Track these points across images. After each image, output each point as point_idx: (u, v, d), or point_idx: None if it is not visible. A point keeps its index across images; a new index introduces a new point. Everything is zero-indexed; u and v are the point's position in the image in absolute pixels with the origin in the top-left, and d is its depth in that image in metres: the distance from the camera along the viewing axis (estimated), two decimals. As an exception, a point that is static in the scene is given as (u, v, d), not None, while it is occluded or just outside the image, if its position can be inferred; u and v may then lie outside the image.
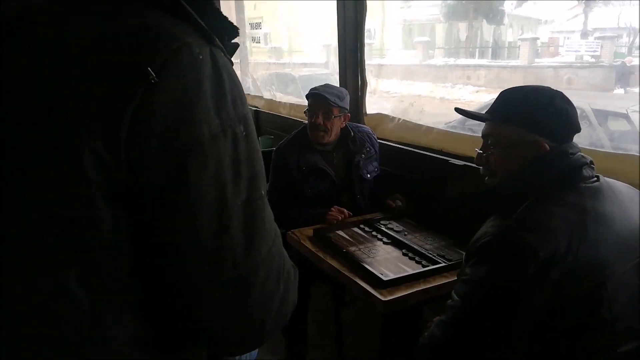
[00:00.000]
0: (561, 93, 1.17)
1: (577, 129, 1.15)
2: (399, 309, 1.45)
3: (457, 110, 1.36)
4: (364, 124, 2.54)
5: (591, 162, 1.13)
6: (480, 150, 1.27)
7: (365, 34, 2.78)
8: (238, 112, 0.54)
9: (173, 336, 0.58)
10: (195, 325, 0.57)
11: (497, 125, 1.21)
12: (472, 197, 1.24)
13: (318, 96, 2.11)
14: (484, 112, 1.28)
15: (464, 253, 1.19)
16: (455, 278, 1.43)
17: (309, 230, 1.92)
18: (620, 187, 1.14)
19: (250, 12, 4.59)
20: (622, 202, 1.08)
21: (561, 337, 1.01)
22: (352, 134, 2.22)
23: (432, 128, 2.35)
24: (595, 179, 1.11)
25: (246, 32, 4.69)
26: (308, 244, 1.83)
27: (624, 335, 0.99)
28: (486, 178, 1.26)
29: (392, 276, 1.52)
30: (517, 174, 1.15)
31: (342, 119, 2.18)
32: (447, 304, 1.11)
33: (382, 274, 1.53)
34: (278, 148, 2.24)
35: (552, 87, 1.18)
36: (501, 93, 1.24)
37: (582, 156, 1.13)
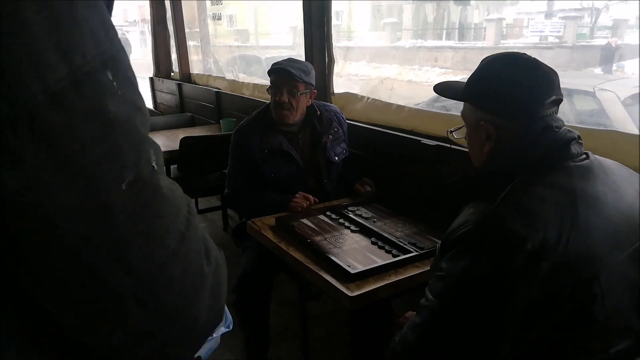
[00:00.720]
0: (521, 58, 1.03)
1: (540, 100, 0.99)
2: (367, 303, 1.32)
3: (436, 90, 1.22)
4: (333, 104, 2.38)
5: (579, 137, 1.01)
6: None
7: (333, 14, 2.60)
8: (102, 49, 0.36)
9: None
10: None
11: (464, 102, 1.11)
12: (445, 181, 1.10)
13: (282, 71, 1.93)
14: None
15: (438, 243, 1.06)
16: (429, 268, 1.32)
17: (270, 219, 1.77)
18: (612, 165, 1.02)
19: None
20: (614, 183, 0.97)
21: (549, 337, 0.89)
22: (319, 113, 2.06)
23: (403, 107, 2.23)
24: (585, 156, 1.00)
25: (206, 8, 4.43)
26: (269, 235, 1.67)
27: (617, 333, 0.89)
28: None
29: (360, 268, 1.38)
30: (494, 155, 1.03)
31: (309, 96, 2.01)
32: (420, 304, 0.98)
33: (349, 266, 1.40)
34: (238, 129, 2.06)
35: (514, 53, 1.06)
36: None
37: (569, 131, 1.00)
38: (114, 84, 0.36)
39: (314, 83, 2.02)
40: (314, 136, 2.06)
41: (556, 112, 1.02)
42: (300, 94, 1.96)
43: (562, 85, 1.02)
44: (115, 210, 0.36)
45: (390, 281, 1.35)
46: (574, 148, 0.98)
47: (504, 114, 1.01)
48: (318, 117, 2.06)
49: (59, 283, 0.36)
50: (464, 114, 1.10)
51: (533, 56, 1.04)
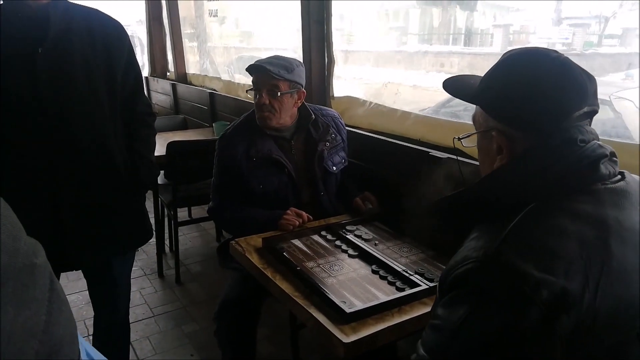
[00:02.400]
0: (551, 56, 0.80)
1: (567, 111, 0.77)
2: (364, 351, 1.09)
3: (446, 88, 0.99)
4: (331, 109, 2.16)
5: (612, 154, 0.79)
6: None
7: (337, 16, 2.40)
8: None
9: None
10: None
11: (476, 107, 0.89)
12: (445, 206, 0.89)
13: (259, 69, 1.71)
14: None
15: (437, 282, 0.84)
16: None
17: (257, 240, 1.55)
18: None
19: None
20: None
21: None
22: (314, 117, 1.84)
23: (409, 113, 2.01)
24: (619, 177, 0.78)
25: (203, 4, 4.22)
26: (254, 258, 1.45)
27: None
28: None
29: (357, 306, 1.16)
30: (502, 171, 0.81)
31: (296, 96, 1.78)
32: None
33: (344, 302, 1.18)
34: (223, 135, 1.83)
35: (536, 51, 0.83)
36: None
37: (600, 145, 0.78)
38: None
39: (301, 82, 1.78)
40: (309, 143, 1.83)
41: (588, 125, 0.80)
42: (281, 94, 1.72)
43: None
44: None
45: (393, 323, 1.13)
46: (605, 167, 0.77)
47: (519, 125, 0.80)
48: (313, 122, 1.83)
49: None
50: (475, 118, 0.89)
51: (565, 55, 0.81)
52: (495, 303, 0.68)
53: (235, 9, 4.43)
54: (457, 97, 0.95)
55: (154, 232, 3.18)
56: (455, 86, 0.95)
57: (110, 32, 1.49)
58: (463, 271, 0.72)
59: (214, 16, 4.05)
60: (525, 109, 0.78)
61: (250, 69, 1.74)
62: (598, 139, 0.79)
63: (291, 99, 1.76)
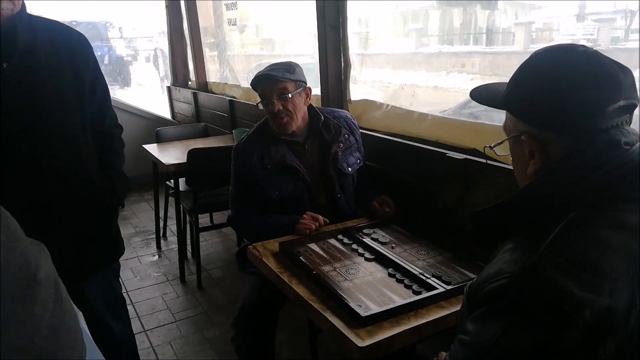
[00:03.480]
0: (578, 50, 0.76)
1: (600, 107, 0.72)
2: (381, 355, 1.08)
3: (473, 97, 0.95)
4: (343, 110, 2.15)
5: None
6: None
7: (356, 22, 2.40)
8: None
9: None
10: None
11: (506, 113, 0.85)
12: (479, 217, 0.85)
13: (263, 78, 1.72)
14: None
15: (465, 287, 0.81)
16: (457, 309, 1.07)
17: (274, 244, 1.55)
18: None
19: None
20: None
21: None
22: (323, 118, 1.84)
23: (426, 115, 1.99)
24: None
25: (222, 14, 4.29)
26: (271, 263, 1.45)
27: None
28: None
29: (373, 309, 1.15)
30: (539, 178, 0.77)
31: (304, 94, 1.79)
32: None
33: (360, 306, 1.17)
34: (237, 146, 1.85)
35: (582, 45, 0.79)
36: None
37: None
38: None
39: (305, 80, 1.80)
40: (322, 146, 1.83)
41: (628, 122, 0.75)
42: (291, 94, 1.74)
43: None
44: None
45: (409, 326, 1.11)
46: None
47: (549, 127, 0.75)
48: (323, 124, 1.83)
49: None
50: (505, 125, 0.85)
51: (592, 48, 0.77)
52: (532, 322, 0.64)
53: (255, 17, 4.48)
54: (485, 105, 0.91)
55: (176, 238, 3.23)
56: (483, 95, 0.92)
57: (75, 44, 1.43)
58: (497, 286, 0.68)
59: (233, 25, 4.10)
60: (553, 108, 0.74)
61: (255, 83, 1.76)
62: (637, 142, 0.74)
63: (300, 98, 1.77)
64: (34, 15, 1.36)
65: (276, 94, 1.73)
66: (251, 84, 1.78)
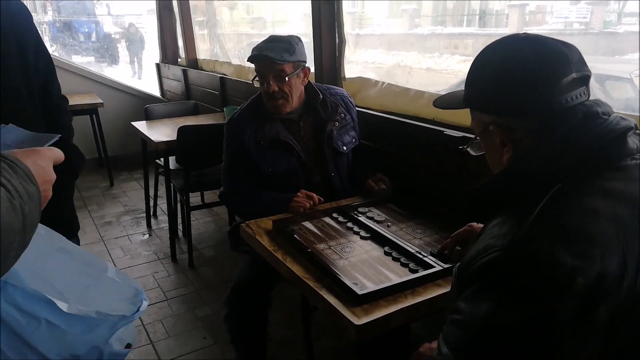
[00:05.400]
0: (520, 37, 0.80)
1: (552, 83, 0.73)
2: (377, 333, 1.07)
3: (436, 105, 1.00)
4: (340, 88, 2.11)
5: (636, 127, 0.74)
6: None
7: (349, 1, 2.34)
8: None
9: None
10: None
11: (471, 113, 0.88)
12: (465, 194, 0.85)
13: (261, 58, 1.66)
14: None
15: (454, 270, 0.79)
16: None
17: (267, 222, 1.52)
18: None
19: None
20: None
21: None
22: (322, 97, 1.79)
23: (423, 92, 1.95)
24: None
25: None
26: (265, 241, 1.43)
27: None
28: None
29: (369, 287, 1.13)
30: (524, 154, 0.76)
31: (302, 75, 1.74)
32: (433, 358, 0.73)
33: (356, 284, 1.15)
34: (230, 120, 1.80)
35: (518, 33, 0.81)
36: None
37: (622, 118, 0.74)
38: None
39: (304, 59, 1.74)
40: (318, 124, 1.79)
41: (586, 94, 0.76)
42: (288, 77, 1.68)
43: (593, 71, 0.77)
44: None
45: (406, 305, 1.10)
46: (632, 141, 0.72)
47: (510, 113, 0.77)
48: (321, 102, 1.79)
49: None
50: (472, 124, 0.87)
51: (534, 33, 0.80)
52: (526, 294, 0.63)
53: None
54: (449, 109, 0.97)
55: (166, 217, 3.19)
56: (445, 101, 0.97)
57: (18, 14, 1.35)
58: (487, 261, 0.67)
59: (223, 1, 4.00)
60: (509, 94, 0.76)
61: (253, 59, 1.70)
62: (614, 112, 0.75)
63: (298, 79, 1.72)
64: None
65: (273, 75, 1.67)
66: (248, 59, 1.72)
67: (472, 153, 0.92)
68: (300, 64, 1.72)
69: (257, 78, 1.74)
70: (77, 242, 1.63)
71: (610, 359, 0.63)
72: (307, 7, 2.43)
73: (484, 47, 0.85)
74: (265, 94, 1.71)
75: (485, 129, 0.81)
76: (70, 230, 1.57)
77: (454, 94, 0.96)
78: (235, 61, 3.83)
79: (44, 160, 0.61)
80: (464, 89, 0.88)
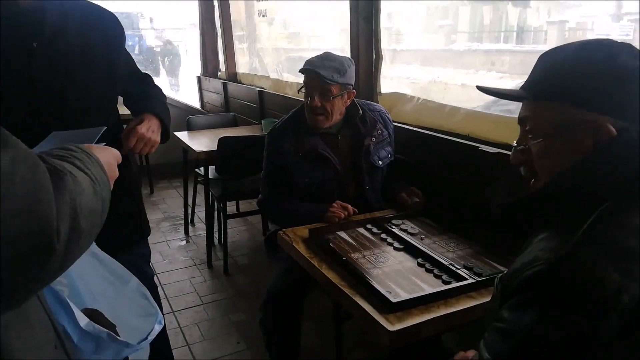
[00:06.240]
0: (629, 46, 0.77)
1: None
2: (410, 341, 1.10)
3: (480, 88, 0.95)
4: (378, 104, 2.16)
5: None
6: (515, 143, 0.88)
7: (384, 15, 2.40)
8: None
9: None
10: None
11: (534, 104, 0.83)
12: (503, 206, 0.85)
13: (311, 73, 1.73)
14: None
15: (496, 278, 0.82)
16: (486, 300, 1.08)
17: (304, 230, 1.58)
18: None
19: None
20: None
21: None
22: (362, 112, 1.85)
23: (458, 108, 1.98)
24: None
25: (253, 5, 4.33)
26: (301, 248, 1.48)
27: None
28: (531, 182, 0.88)
29: (403, 296, 1.17)
30: (574, 169, 0.77)
31: (345, 97, 1.80)
32: None
33: (390, 292, 1.18)
34: (271, 130, 1.88)
35: (614, 40, 0.79)
36: (541, 56, 0.85)
37: None
38: None
39: (352, 82, 1.80)
40: (356, 138, 1.85)
41: None
42: (333, 97, 1.74)
43: None
44: None
45: (439, 314, 1.13)
46: None
47: (618, 113, 0.75)
48: (361, 117, 1.85)
49: None
50: (542, 117, 0.82)
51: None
52: (570, 308, 0.65)
53: (282, 10, 4.50)
54: (500, 97, 0.91)
55: (203, 224, 3.30)
56: (507, 94, 0.91)
57: (109, 25, 1.47)
58: (533, 273, 0.69)
59: (263, 16, 4.14)
60: (627, 98, 0.75)
61: (304, 71, 1.77)
62: None
63: (342, 100, 1.78)
64: None
65: (319, 91, 1.74)
66: (300, 70, 1.79)
67: (534, 150, 0.84)
68: (348, 86, 1.78)
69: (303, 89, 1.81)
70: (147, 247, 1.70)
71: None
72: (344, 23, 2.50)
73: (521, 63, 0.85)
74: (308, 107, 1.78)
75: (575, 123, 0.77)
76: (140, 232, 1.64)
77: (505, 90, 0.91)
78: (273, 75, 3.94)
79: (110, 157, 0.68)
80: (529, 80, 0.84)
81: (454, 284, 1.22)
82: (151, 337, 0.88)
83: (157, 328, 0.91)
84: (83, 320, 0.78)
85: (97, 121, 1.42)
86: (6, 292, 0.43)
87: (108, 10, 1.50)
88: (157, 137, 1.46)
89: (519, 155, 0.86)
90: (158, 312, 0.96)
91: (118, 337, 0.81)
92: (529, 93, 0.84)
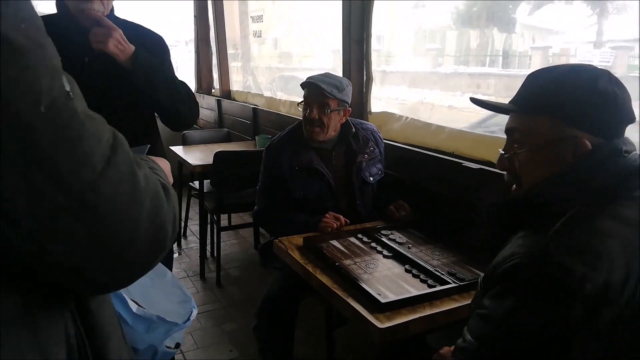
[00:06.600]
0: (607, 72, 0.90)
1: (630, 118, 0.89)
2: (398, 338, 1.19)
3: (473, 100, 1.09)
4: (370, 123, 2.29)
5: None
6: (502, 150, 1.00)
7: (374, 38, 2.54)
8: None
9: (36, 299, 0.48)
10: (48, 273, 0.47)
11: (523, 117, 0.94)
12: (492, 207, 0.97)
13: (313, 86, 1.86)
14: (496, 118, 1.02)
15: (481, 276, 0.93)
16: (468, 303, 1.18)
17: (298, 239, 1.67)
18: None
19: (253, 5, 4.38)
20: None
21: None
22: (355, 130, 1.97)
23: (444, 127, 2.11)
24: None
25: (248, 25, 4.48)
26: (296, 255, 1.58)
27: None
28: (512, 187, 1.00)
29: (391, 297, 1.26)
30: (552, 178, 0.89)
31: (342, 113, 1.92)
32: (456, 345, 0.86)
33: (379, 294, 1.28)
34: (269, 146, 1.99)
35: (596, 66, 0.91)
36: (530, 75, 0.97)
37: None
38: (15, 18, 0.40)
39: (348, 100, 1.93)
40: (349, 155, 1.97)
41: (623, 133, 0.89)
42: (331, 111, 1.87)
43: None
44: (37, 132, 0.41)
45: (424, 314, 1.23)
46: None
47: (595, 130, 0.87)
48: (354, 135, 1.97)
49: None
50: (529, 130, 0.92)
51: None
52: (542, 297, 0.75)
53: (273, 30, 4.64)
54: (501, 113, 1.01)
55: (195, 237, 3.37)
56: (498, 106, 1.02)
57: (154, 44, 1.63)
58: (511, 265, 0.79)
59: (257, 37, 4.28)
60: (604, 115, 0.86)
61: (305, 85, 1.89)
62: (636, 150, 0.88)
63: (338, 116, 1.91)
64: (120, 18, 1.59)
65: (318, 104, 1.86)
66: (301, 84, 1.92)
67: (520, 159, 0.94)
68: (344, 103, 1.90)
69: (302, 103, 1.93)
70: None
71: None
72: (335, 44, 2.62)
73: (506, 87, 0.97)
74: (306, 119, 1.89)
75: (559, 140, 0.88)
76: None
77: (493, 102, 1.04)
78: (267, 93, 4.07)
79: (168, 169, 0.75)
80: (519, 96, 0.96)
81: (439, 287, 1.32)
82: (192, 317, 1.07)
83: (195, 312, 1.08)
84: (134, 307, 0.92)
85: (132, 135, 1.54)
86: (136, 275, 0.54)
87: (154, 32, 1.68)
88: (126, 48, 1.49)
89: (505, 163, 0.98)
90: (191, 299, 1.11)
91: (167, 319, 0.96)
92: (518, 106, 0.95)
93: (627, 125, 0.90)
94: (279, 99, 3.69)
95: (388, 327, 1.16)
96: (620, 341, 0.74)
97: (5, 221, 0.42)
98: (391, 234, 1.74)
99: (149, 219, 0.50)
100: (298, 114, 3.14)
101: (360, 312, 1.22)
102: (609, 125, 0.87)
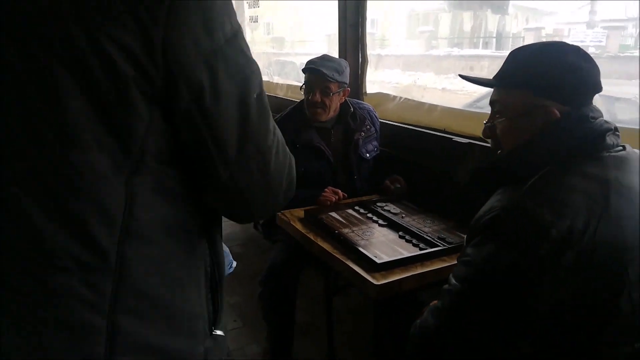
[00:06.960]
0: (577, 47, 1.01)
1: (597, 89, 1.00)
2: (392, 294, 1.32)
3: (461, 76, 1.22)
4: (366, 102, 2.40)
5: (616, 129, 0.99)
6: (486, 121, 1.12)
7: (368, 22, 2.63)
8: (235, 19, 0.62)
9: (199, 219, 0.66)
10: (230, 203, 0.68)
11: (503, 91, 1.07)
12: (477, 174, 1.09)
13: (315, 72, 1.97)
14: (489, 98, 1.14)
15: (456, 244, 1.05)
16: (455, 262, 1.31)
17: (299, 212, 1.80)
18: None
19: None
20: None
21: (572, 330, 0.88)
22: (352, 109, 2.09)
23: (436, 106, 2.22)
24: (621, 148, 0.97)
25: (244, 11, 4.54)
26: (298, 226, 1.70)
27: None
28: (498, 152, 1.12)
29: (386, 259, 1.39)
30: (527, 143, 1.00)
31: (342, 94, 2.04)
32: (442, 289, 0.98)
33: (375, 257, 1.40)
34: None
35: (568, 43, 1.03)
36: (510, 52, 1.09)
37: (606, 121, 0.98)
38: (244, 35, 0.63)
39: (347, 81, 2.04)
40: (347, 133, 2.08)
41: (591, 102, 1.01)
42: (332, 93, 1.98)
43: (604, 93, 1.03)
44: (252, 114, 0.62)
45: (416, 272, 1.36)
46: (610, 139, 0.96)
47: (566, 100, 0.98)
48: (351, 114, 2.08)
49: (224, 148, 0.61)
50: (507, 102, 1.04)
51: None
52: (515, 241, 0.87)
53: (266, 16, 4.70)
54: (478, 83, 1.14)
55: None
56: (482, 81, 1.14)
57: None
58: (490, 217, 0.92)
59: (254, 22, 4.35)
60: (571, 86, 0.97)
61: (307, 70, 2.00)
62: (602, 116, 1.00)
63: (338, 97, 2.03)
64: None
65: (320, 88, 1.97)
66: (302, 69, 2.02)
67: (499, 128, 1.06)
68: (343, 85, 2.02)
69: (304, 86, 2.03)
70: None
71: (571, 295, 0.87)
72: (328, 28, 2.71)
73: (499, 67, 1.07)
74: (309, 102, 2.00)
75: (530, 107, 0.99)
76: None
77: (480, 79, 1.14)
78: (264, 77, 4.15)
79: None
80: (501, 72, 1.06)
81: (428, 250, 1.45)
82: (232, 269, 1.42)
83: (234, 263, 1.43)
84: None
85: None
86: (275, 211, 0.78)
87: None
88: None
89: (488, 131, 1.11)
90: (229, 253, 1.39)
91: None
92: (499, 81, 1.08)
93: (593, 95, 1.01)
94: (276, 83, 3.78)
95: (383, 283, 1.29)
96: (580, 279, 0.86)
97: (220, 156, 0.60)
98: (386, 205, 1.86)
99: (289, 174, 0.72)
100: (295, 97, 3.25)
101: (359, 272, 1.35)
102: (576, 95, 0.99)
